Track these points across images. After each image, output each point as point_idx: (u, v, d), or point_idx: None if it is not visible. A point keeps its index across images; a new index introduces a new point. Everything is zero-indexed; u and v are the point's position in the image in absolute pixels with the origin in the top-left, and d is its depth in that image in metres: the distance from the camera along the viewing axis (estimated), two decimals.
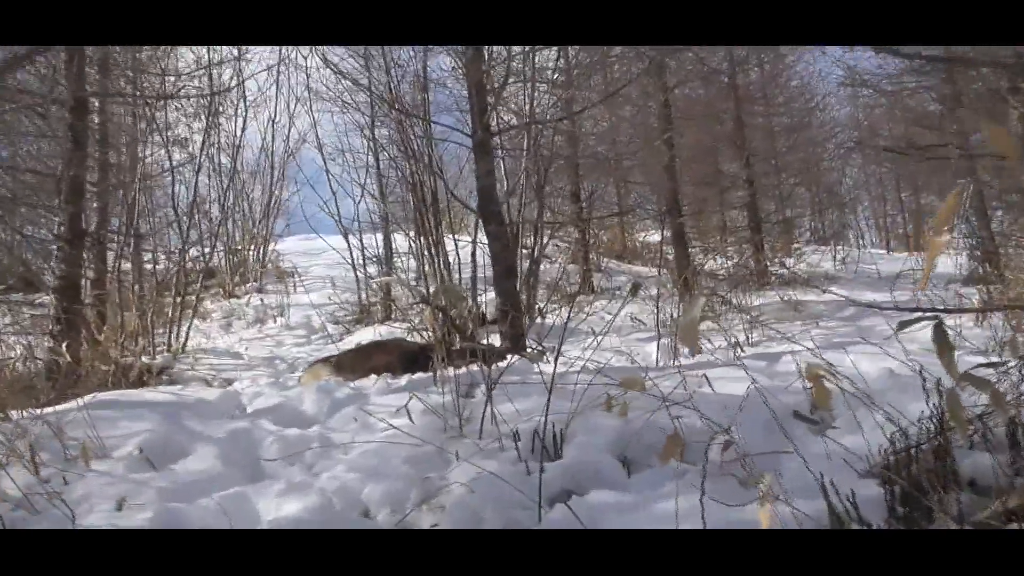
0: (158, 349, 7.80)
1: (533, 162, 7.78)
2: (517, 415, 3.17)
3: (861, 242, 17.09)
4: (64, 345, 5.57)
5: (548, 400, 2.68)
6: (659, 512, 2.26)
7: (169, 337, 7.91)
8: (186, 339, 8.18)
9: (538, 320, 8.54)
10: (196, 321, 11.70)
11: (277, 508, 2.63)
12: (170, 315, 8.01)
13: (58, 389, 5.38)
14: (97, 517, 2.66)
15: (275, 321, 11.20)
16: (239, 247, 13.82)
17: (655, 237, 17.43)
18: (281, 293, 12.25)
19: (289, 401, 3.98)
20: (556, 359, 3.22)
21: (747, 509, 2.19)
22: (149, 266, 10.14)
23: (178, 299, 8.25)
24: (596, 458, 2.74)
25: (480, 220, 6.78)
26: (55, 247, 5.84)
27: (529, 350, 6.77)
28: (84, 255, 6.21)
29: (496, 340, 6.92)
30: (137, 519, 2.54)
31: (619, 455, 2.83)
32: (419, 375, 4.46)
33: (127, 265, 9.34)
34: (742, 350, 4.67)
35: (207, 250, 10.39)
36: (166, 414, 3.52)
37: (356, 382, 4.56)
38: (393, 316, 10.91)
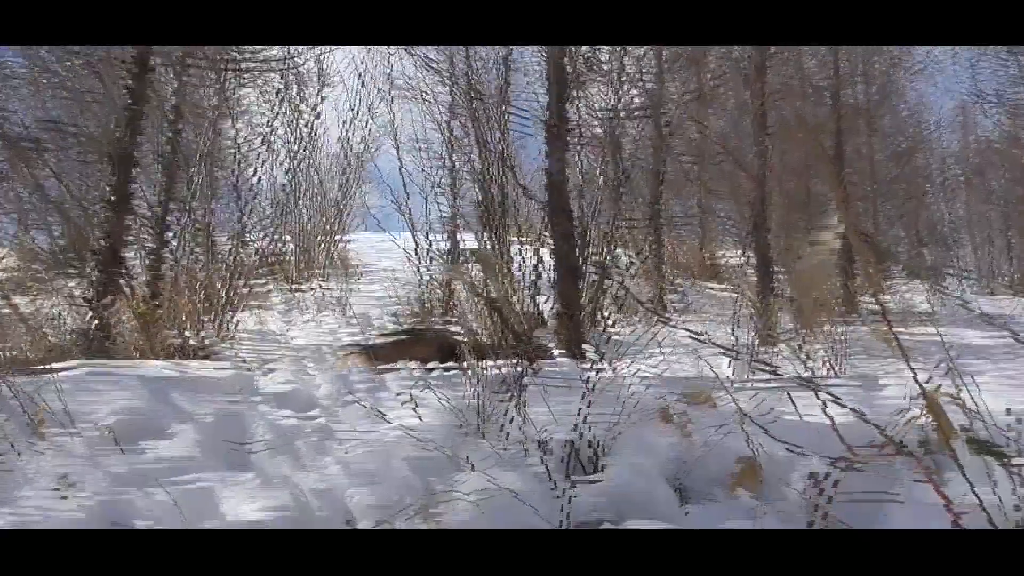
0: (207, 331, 7.49)
1: (612, 156, 7.18)
2: (552, 421, 2.58)
3: (961, 283, 15.77)
4: (96, 314, 5.25)
5: (587, 401, 2.08)
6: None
7: (218, 319, 7.59)
8: (235, 323, 7.85)
9: (601, 333, 7.91)
10: (259, 308, 11.53)
11: (239, 507, 2.11)
12: (223, 298, 7.69)
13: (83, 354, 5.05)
14: (35, 502, 2.19)
15: (335, 313, 10.87)
16: (307, 237, 13.61)
17: (734, 259, 16.58)
18: (344, 286, 11.95)
19: (303, 387, 3.50)
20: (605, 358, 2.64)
21: None
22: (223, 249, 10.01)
23: (231, 282, 7.93)
24: (644, 482, 2.13)
25: (547, 216, 6.22)
26: (101, 214, 5.54)
27: (586, 354, 6.16)
28: (130, 224, 5.90)
29: (552, 346, 6.34)
30: (74, 507, 2.06)
31: (674, 481, 2.21)
32: (452, 370, 3.93)
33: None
34: (835, 373, 3.96)
35: (269, 236, 10.07)
36: (156, 389, 3.07)
37: (386, 373, 4.06)
38: (452, 314, 10.45)
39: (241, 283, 8.44)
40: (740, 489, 1.96)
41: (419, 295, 10.97)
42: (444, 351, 4.49)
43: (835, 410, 3.16)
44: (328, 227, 13.66)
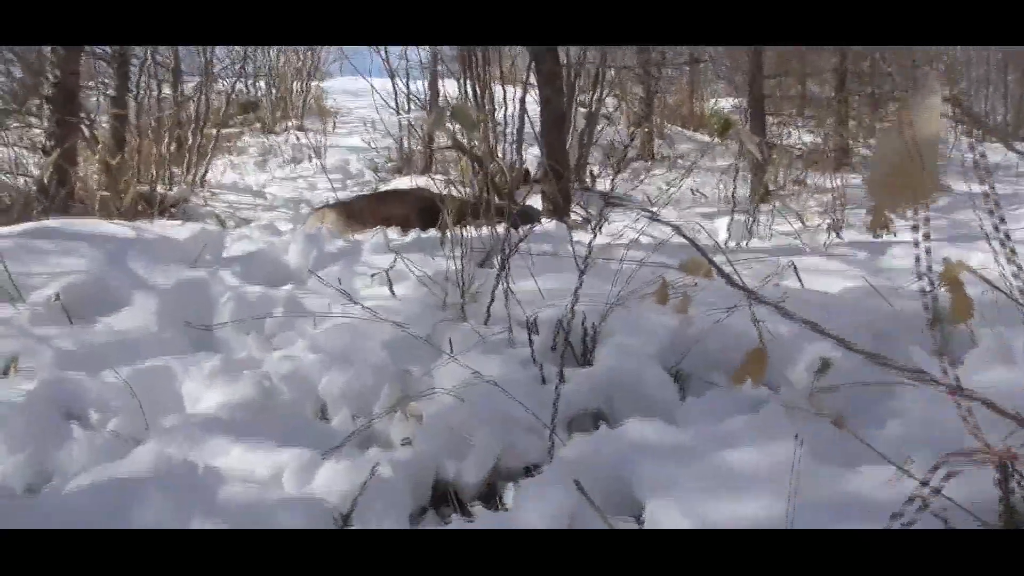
0: (176, 180, 7.13)
1: None
2: (540, 297, 2.37)
3: (953, 130, 15.35)
4: (52, 162, 4.89)
5: (580, 279, 1.86)
6: (722, 465, 1.47)
7: (188, 168, 7.21)
8: (205, 171, 7.46)
9: (588, 185, 7.62)
10: (231, 156, 11.05)
11: (201, 395, 1.92)
12: (190, 143, 7.26)
13: (45, 213, 4.74)
14: None
15: (311, 162, 10.45)
16: (281, 80, 12.89)
17: (725, 103, 15.99)
18: (321, 134, 11.42)
19: (272, 249, 3.25)
20: (597, 225, 2.41)
21: (857, 476, 1.42)
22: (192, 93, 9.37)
23: (201, 129, 7.47)
24: (638, 368, 1.95)
25: (531, 56, 5.76)
26: (49, 49, 5.04)
27: (573, 217, 5.92)
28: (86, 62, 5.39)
29: (538, 203, 6.08)
30: (19, 389, 1.86)
31: (670, 367, 2.03)
32: (431, 233, 3.69)
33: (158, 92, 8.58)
34: (837, 235, 3.75)
35: (241, 79, 9.49)
36: (112, 252, 2.82)
37: (360, 234, 3.82)
38: (435, 167, 10.07)
39: (212, 129, 7.96)
40: (744, 378, 1.78)
41: (398, 144, 10.52)
42: (424, 212, 4.23)
43: (842, 278, 2.99)
44: (303, 70, 12.90)
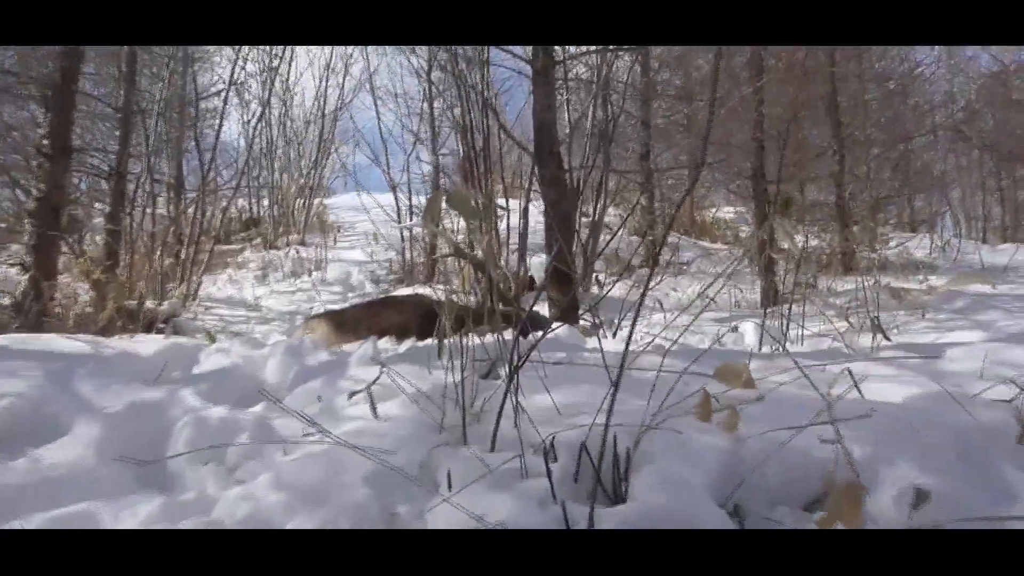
0: (170, 297, 6.81)
1: (600, 99, 6.48)
2: (556, 415, 1.96)
3: (958, 231, 15.21)
4: (29, 277, 4.57)
5: (612, 392, 1.46)
6: None
7: (181, 283, 6.91)
8: (198, 285, 7.16)
9: (595, 291, 7.30)
10: (230, 271, 10.83)
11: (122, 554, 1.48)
12: (183, 257, 6.99)
13: (18, 330, 4.38)
14: None
15: (310, 275, 10.20)
16: (284, 198, 12.85)
17: (726, 213, 15.93)
18: (323, 247, 11.24)
19: (248, 364, 2.85)
20: (612, 330, 2.02)
21: None
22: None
23: (196, 243, 7.22)
24: (687, 504, 1.52)
25: (535, 164, 5.55)
26: (36, 163, 4.83)
27: (582, 323, 5.55)
28: (76, 178, 5.17)
29: (544, 311, 5.72)
30: None
31: (724, 500, 1.60)
32: (428, 342, 3.30)
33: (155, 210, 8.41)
34: (885, 337, 3.35)
35: (243, 195, 9.37)
36: (57, 372, 2.42)
37: (349, 346, 3.43)
38: (437, 278, 9.81)
39: (208, 244, 7.72)
40: (835, 522, 1.35)
41: (400, 256, 10.31)
42: (423, 318, 3.85)
43: (899, 384, 2.57)
44: (305, 187, 12.89)
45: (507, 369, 1.90)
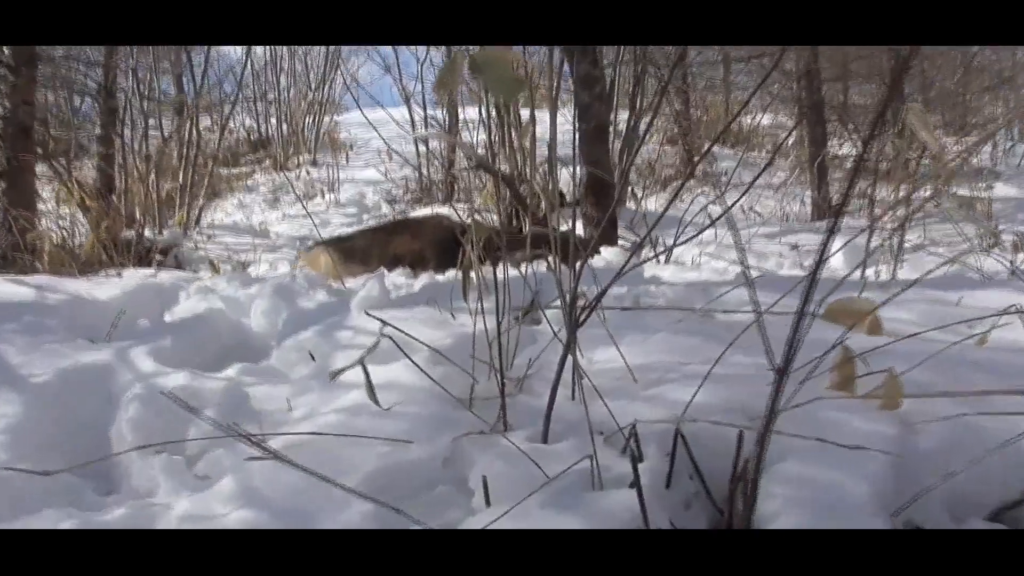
0: (169, 225, 6.32)
1: None
2: (629, 382, 1.43)
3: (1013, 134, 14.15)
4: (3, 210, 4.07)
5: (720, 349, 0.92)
6: None
7: (180, 210, 6.40)
8: (200, 212, 6.64)
9: (630, 206, 6.69)
10: (240, 195, 10.30)
11: None
12: (181, 183, 6.45)
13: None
14: None
15: (323, 197, 9.65)
16: (292, 115, 12.18)
17: (764, 119, 14.98)
18: (335, 167, 10.64)
19: (232, 308, 2.35)
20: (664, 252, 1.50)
21: None
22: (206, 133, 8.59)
23: (193, 166, 6.67)
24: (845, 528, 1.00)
25: (565, 59, 4.88)
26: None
27: (621, 243, 4.99)
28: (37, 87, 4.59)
29: (579, 228, 5.16)
30: None
31: (898, 512, 1.09)
32: (449, 275, 2.78)
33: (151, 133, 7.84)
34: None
35: (228, 111, 8.76)
36: None
37: (357, 279, 2.92)
38: (457, 196, 9.22)
39: (205, 165, 7.16)
40: None
41: (417, 173, 9.70)
42: (440, 245, 3.32)
43: None
44: (314, 103, 12.19)
45: (566, 315, 1.34)
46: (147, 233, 5.99)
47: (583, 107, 4.72)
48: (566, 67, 4.90)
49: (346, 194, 9.85)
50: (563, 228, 4.85)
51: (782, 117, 14.83)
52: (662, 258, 4.19)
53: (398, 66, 9.45)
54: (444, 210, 7.66)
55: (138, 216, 5.90)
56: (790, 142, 12.79)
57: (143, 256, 5.84)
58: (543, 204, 4.71)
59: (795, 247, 5.04)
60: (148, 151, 6.49)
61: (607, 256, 4.13)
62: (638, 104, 6.29)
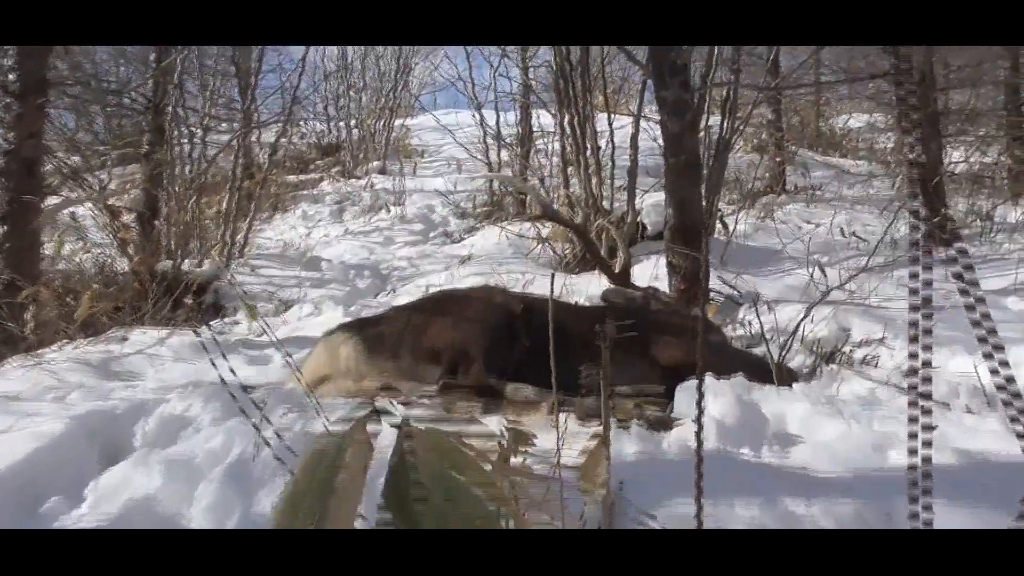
0: (209, 254, 5.70)
1: None
2: None
3: None
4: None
5: None
6: None
7: (223, 237, 5.76)
8: (245, 239, 6.00)
9: (719, 236, 5.71)
10: (304, 205, 9.73)
11: None
12: (226, 207, 5.82)
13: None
14: None
15: (388, 211, 8.96)
16: (363, 121, 11.55)
17: (856, 122, 13.58)
18: (404, 176, 9.94)
19: (167, 493, 1.57)
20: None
21: None
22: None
23: (238, 187, 6.03)
24: None
25: (651, 80, 3.98)
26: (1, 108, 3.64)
27: (713, 297, 4.06)
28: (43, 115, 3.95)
29: (661, 282, 4.26)
30: None
31: None
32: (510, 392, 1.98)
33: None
34: None
35: (284, 123, 8.15)
36: None
37: (393, 389, 2.17)
38: (528, 211, 8.39)
39: (243, 185, 6.50)
40: None
41: (489, 188, 8.89)
42: (491, 336, 2.51)
43: None
44: (385, 107, 11.51)
45: None
46: (186, 265, 5.38)
47: (672, 138, 3.82)
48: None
49: (414, 207, 9.13)
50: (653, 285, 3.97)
51: (877, 116, 13.43)
52: (754, 313, 3.27)
53: (470, 69, 8.62)
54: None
55: (173, 247, 5.28)
56: (889, 146, 11.48)
57: (182, 292, 5.23)
58: (620, 254, 3.83)
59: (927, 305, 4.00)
60: (195, 172, 5.88)
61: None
62: (728, 119, 5.30)
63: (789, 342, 2.91)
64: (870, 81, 9.62)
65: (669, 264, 4.02)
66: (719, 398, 2.02)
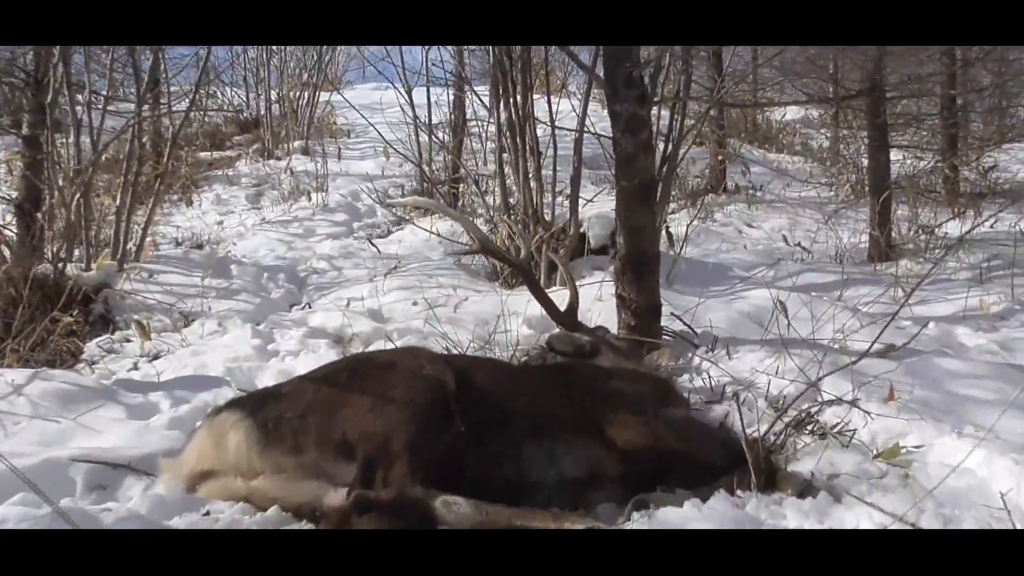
0: (97, 255, 5.00)
1: None
2: None
3: None
4: None
5: None
6: None
7: (117, 232, 5.05)
8: (142, 240, 5.30)
9: (668, 252, 5.34)
10: (219, 188, 8.95)
11: None
12: (119, 201, 5.10)
13: None
14: None
15: (310, 199, 8.29)
16: (285, 95, 10.73)
17: (791, 115, 13.44)
18: (328, 158, 9.23)
19: None
20: None
21: None
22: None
23: (136, 175, 5.30)
24: None
25: (603, 89, 3.53)
26: None
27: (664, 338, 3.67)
28: None
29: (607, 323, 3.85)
30: None
31: None
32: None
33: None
34: None
35: (187, 110, 7.38)
36: None
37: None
38: (463, 201, 7.87)
39: (138, 177, 5.75)
40: None
41: (419, 173, 8.28)
42: (422, 423, 2.04)
43: None
44: (309, 82, 10.71)
45: None
46: (70, 269, 4.69)
47: (625, 158, 3.37)
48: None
49: (338, 193, 8.49)
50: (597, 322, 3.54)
51: (813, 112, 13.30)
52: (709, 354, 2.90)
53: (400, 51, 7.93)
54: (446, 228, 6.31)
55: (55, 247, 4.59)
56: (825, 144, 11.34)
57: (69, 300, 4.55)
58: (568, 289, 3.39)
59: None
60: (78, 166, 5.12)
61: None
62: (677, 124, 4.90)
63: (771, 425, 2.53)
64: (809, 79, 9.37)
65: (618, 296, 3.61)
66: None
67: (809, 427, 2.72)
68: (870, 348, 2.68)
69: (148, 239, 5.30)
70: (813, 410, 2.79)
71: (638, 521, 2.05)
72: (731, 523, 1.65)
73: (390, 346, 3.93)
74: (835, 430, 2.69)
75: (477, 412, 2.19)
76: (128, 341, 4.26)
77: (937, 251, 6.35)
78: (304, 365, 3.68)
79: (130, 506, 1.92)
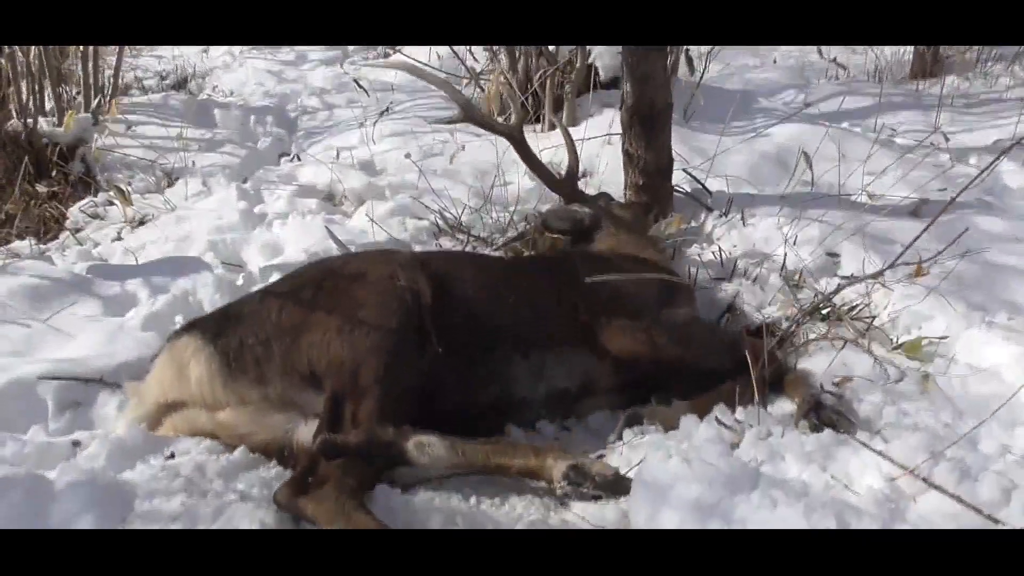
0: (73, 106, 4.68)
1: None
2: None
3: None
4: None
5: None
6: None
7: (88, 78, 4.67)
8: (114, 85, 4.91)
9: (683, 76, 4.84)
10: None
11: None
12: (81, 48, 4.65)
13: None
14: None
15: None
16: None
17: None
18: None
19: None
20: None
21: None
22: None
23: None
24: None
25: None
26: None
27: (677, 191, 3.36)
28: None
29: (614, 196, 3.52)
30: None
31: None
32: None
33: None
34: None
35: None
36: None
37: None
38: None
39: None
40: None
41: None
42: (396, 344, 1.87)
43: None
44: None
45: None
46: (43, 124, 4.40)
47: None
48: None
49: None
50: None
51: None
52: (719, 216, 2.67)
53: None
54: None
55: (22, 100, 4.29)
56: None
57: (45, 163, 4.33)
58: (567, 156, 3.06)
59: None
60: None
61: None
62: None
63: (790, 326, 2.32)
64: None
65: (625, 153, 3.28)
66: (668, 511, 1.47)
67: (825, 310, 2.52)
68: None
69: (129, 74, 4.91)
70: (829, 290, 2.57)
71: (629, 442, 1.93)
72: (724, 478, 1.51)
73: (382, 204, 3.70)
74: (851, 314, 2.49)
75: (458, 329, 2.01)
76: (112, 204, 4.07)
77: (989, 63, 5.76)
78: (292, 234, 3.49)
79: (89, 451, 1.82)
